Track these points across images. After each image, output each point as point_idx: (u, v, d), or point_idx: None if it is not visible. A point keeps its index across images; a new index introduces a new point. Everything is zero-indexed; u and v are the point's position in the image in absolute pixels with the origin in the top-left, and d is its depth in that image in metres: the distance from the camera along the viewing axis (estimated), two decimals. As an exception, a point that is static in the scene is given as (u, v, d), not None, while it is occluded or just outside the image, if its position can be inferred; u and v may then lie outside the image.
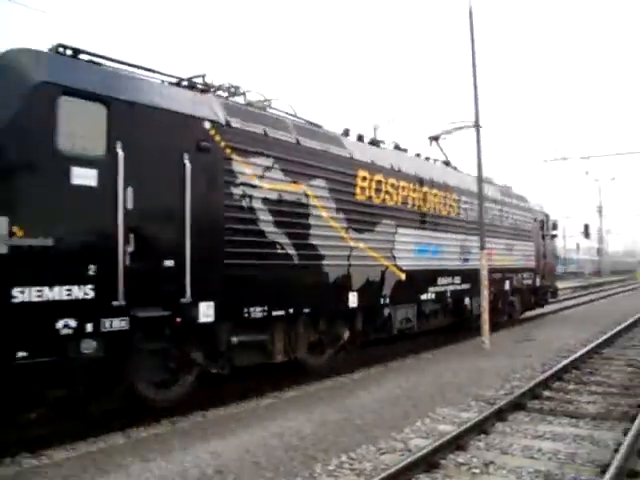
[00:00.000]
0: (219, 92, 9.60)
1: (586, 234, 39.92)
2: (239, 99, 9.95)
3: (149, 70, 8.50)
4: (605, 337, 14.67)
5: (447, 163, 16.79)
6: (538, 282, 21.25)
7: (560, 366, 10.67)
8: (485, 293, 13.83)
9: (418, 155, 15.00)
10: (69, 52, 7.49)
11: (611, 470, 5.41)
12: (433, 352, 13.76)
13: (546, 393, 9.17)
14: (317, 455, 6.39)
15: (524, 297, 20.32)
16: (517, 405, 8.20)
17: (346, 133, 12.18)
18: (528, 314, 21.29)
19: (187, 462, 6.21)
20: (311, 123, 11.20)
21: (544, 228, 22.60)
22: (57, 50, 7.41)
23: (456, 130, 17.65)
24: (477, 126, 14.11)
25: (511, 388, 9.44)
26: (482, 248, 13.91)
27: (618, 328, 16.57)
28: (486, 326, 13.74)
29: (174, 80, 8.91)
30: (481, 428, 7.12)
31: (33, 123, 6.56)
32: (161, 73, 8.72)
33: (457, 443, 6.54)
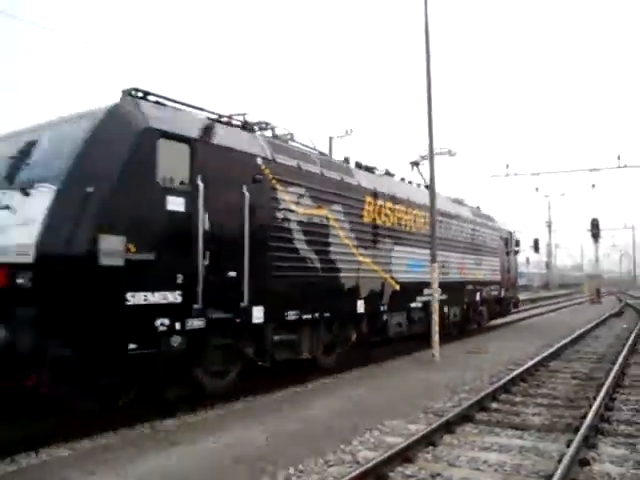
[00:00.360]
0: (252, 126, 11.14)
1: (536, 248, 40.87)
2: (267, 132, 11.56)
3: (201, 109, 10.11)
4: (552, 350, 14.94)
5: (427, 187, 17.06)
6: (503, 294, 23.46)
7: (508, 378, 10.82)
8: (436, 306, 13.97)
9: (402, 179, 17.00)
10: (140, 94, 8.93)
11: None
12: (384, 364, 13.81)
13: (493, 405, 9.28)
14: (265, 467, 6.32)
15: (491, 307, 22.37)
16: (465, 417, 8.27)
17: (346, 161, 14.10)
18: (478, 327, 21.56)
19: (131, 475, 6.09)
20: (322, 154, 13.37)
21: (508, 245, 24.90)
22: (130, 93, 8.81)
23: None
24: (431, 151, 14.24)
25: (459, 400, 9.52)
26: (433, 261, 14.04)
27: (564, 341, 16.90)
28: (436, 337, 13.85)
29: (224, 119, 10.45)
30: (429, 440, 7.15)
31: (141, 161, 8.22)
32: (212, 112, 10.30)
33: (405, 455, 6.55)
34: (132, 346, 7.79)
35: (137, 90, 8.92)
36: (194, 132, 9.09)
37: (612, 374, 11.01)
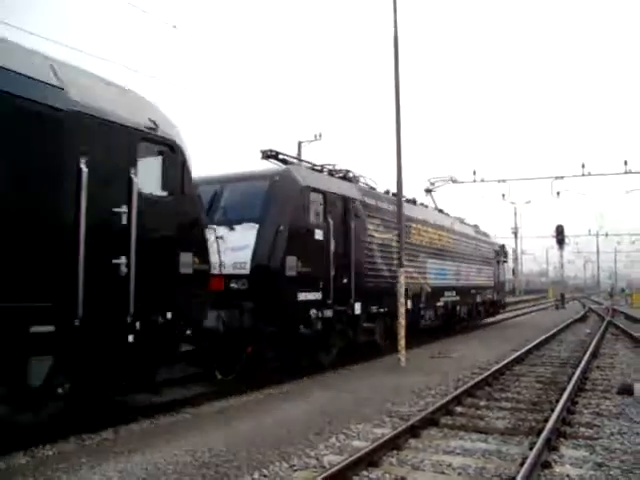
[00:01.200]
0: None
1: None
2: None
3: (313, 164, 14.81)
4: (517, 354, 15.14)
5: (440, 210, 23.63)
6: (495, 297, 28.85)
7: (472, 383, 10.93)
8: (402, 310, 14.01)
9: (425, 205, 21.96)
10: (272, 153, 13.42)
11: (516, 483, 5.55)
12: (351, 368, 13.83)
13: (458, 409, 9.35)
14: (230, 472, 6.30)
15: (486, 307, 27.53)
16: (430, 421, 8.32)
17: (387, 193, 17.63)
18: (445, 331, 21.72)
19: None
20: (386, 192, 17.75)
21: (499, 256, 30.33)
22: (267, 154, 13.34)
23: (444, 184, 27.85)
24: (399, 158, 14.34)
25: (425, 404, 9.58)
26: (400, 266, 14.12)
27: (529, 345, 17.14)
28: (402, 342, 13.90)
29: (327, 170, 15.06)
30: (394, 444, 7.17)
31: (302, 207, 12.51)
32: (322, 166, 14.98)
33: (370, 459, 6.56)
34: (301, 327, 12.09)
35: (272, 151, 13.39)
36: (325, 186, 13.56)
37: (574, 378, 11.17)
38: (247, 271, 11.40)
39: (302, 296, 12.11)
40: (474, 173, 31.44)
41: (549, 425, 7.61)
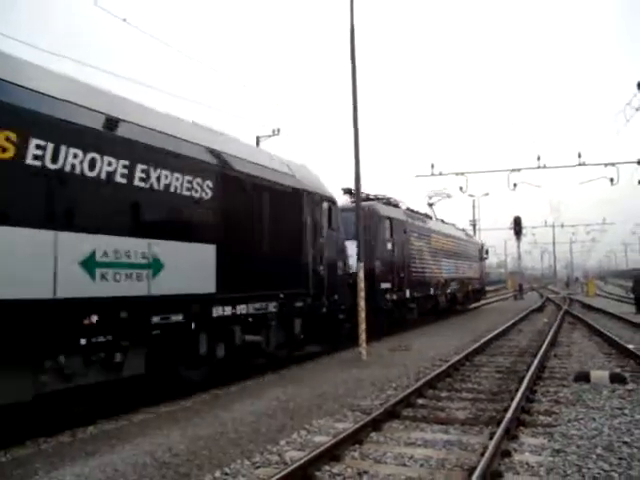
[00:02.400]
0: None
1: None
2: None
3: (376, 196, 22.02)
4: (477, 345, 15.31)
5: (442, 220, 30.88)
6: (479, 286, 37.59)
7: (433, 374, 10.99)
8: (362, 304, 14.02)
9: (430, 217, 28.70)
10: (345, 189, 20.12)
11: (477, 472, 5.58)
12: (312, 363, 13.82)
13: (419, 401, 9.39)
14: (190, 472, 6.21)
15: (474, 294, 36.02)
16: (391, 414, 8.33)
17: (414, 211, 24.99)
18: (405, 325, 21.91)
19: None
20: (413, 210, 25.35)
21: (481, 253, 38.92)
22: (348, 191, 19.68)
23: (444, 198, 33.71)
24: (356, 153, 14.36)
25: (386, 397, 9.60)
26: (359, 260, 14.13)
27: (489, 336, 17.36)
28: (363, 336, 13.93)
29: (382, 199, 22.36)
30: (356, 438, 7.16)
31: (382, 232, 20.01)
32: (384, 197, 22.42)
33: (332, 454, 6.54)
34: (382, 305, 19.14)
35: (350, 189, 19.30)
36: (391, 214, 21.14)
37: (533, 367, 11.33)
38: (354, 270, 15.15)
39: (383, 285, 19.45)
40: (432, 166, 31.69)
41: (508, 414, 7.68)
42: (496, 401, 9.25)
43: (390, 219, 20.62)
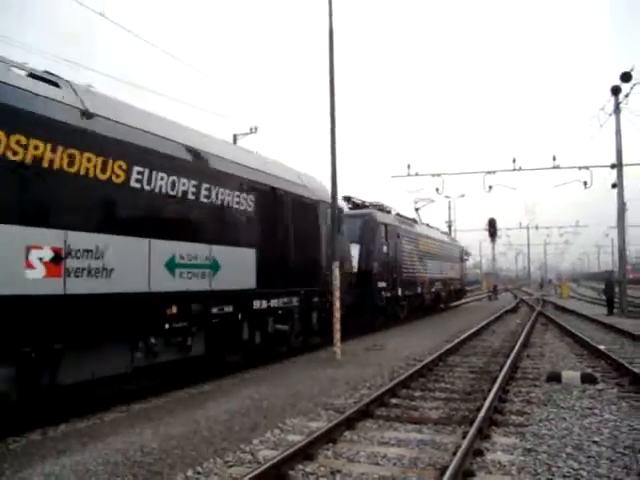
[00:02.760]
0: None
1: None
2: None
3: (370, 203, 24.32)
4: (451, 345, 15.40)
5: (427, 224, 33.94)
6: (460, 286, 40.84)
7: (407, 374, 11.04)
8: (337, 305, 14.04)
9: (415, 221, 31.30)
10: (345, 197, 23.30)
11: (449, 471, 5.62)
12: (286, 362, 13.81)
13: (393, 401, 9.43)
14: (162, 470, 6.17)
15: (456, 293, 39.41)
16: (365, 413, 8.36)
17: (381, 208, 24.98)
18: (379, 326, 21.97)
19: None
20: (400, 215, 27.31)
21: (462, 255, 42.64)
22: (347, 199, 23.24)
23: (428, 203, 37.36)
24: (333, 149, 14.36)
25: (360, 396, 9.63)
26: (334, 259, 14.13)
27: (463, 336, 17.47)
28: (338, 335, 13.94)
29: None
30: (330, 437, 7.17)
31: (378, 234, 22.34)
32: (377, 204, 24.66)
33: (305, 453, 6.54)
34: (379, 302, 21.50)
35: (350, 197, 23.20)
36: (386, 220, 23.48)
37: (505, 368, 11.42)
38: (356, 270, 19.53)
39: (380, 284, 21.87)
40: (409, 167, 31.84)
41: (481, 414, 7.74)
42: (469, 401, 9.32)
43: (385, 225, 23.13)
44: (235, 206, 11.91)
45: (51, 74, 8.58)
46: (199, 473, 6.11)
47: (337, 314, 13.96)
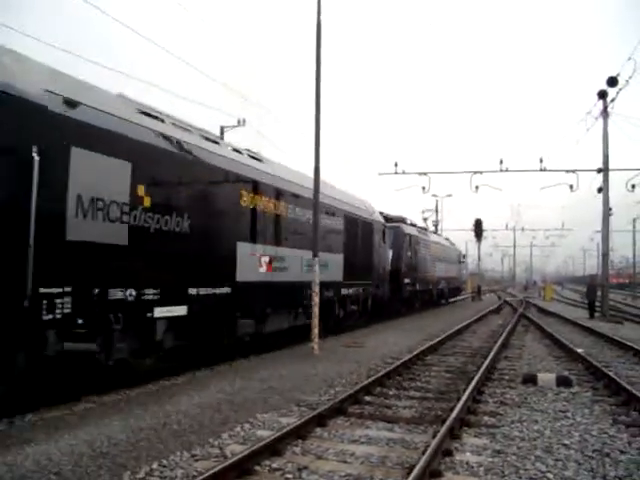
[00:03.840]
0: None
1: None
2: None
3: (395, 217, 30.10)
4: (430, 344, 15.39)
5: (434, 232, 42.40)
6: (458, 284, 48.17)
7: (383, 372, 11.00)
8: (316, 300, 14.01)
9: (433, 231, 43.46)
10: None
11: (415, 471, 5.57)
12: (263, 356, 13.75)
13: (367, 398, 9.38)
14: (127, 463, 6.09)
15: (455, 290, 47.19)
16: (338, 410, 8.30)
17: (404, 221, 30.75)
18: (357, 321, 21.98)
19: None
20: (414, 225, 33.72)
21: (460, 257, 49.86)
22: (381, 213, 25.93)
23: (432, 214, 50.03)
24: (317, 143, 14.30)
25: (335, 393, 9.57)
26: (314, 256, 14.07)
27: (442, 336, 17.47)
28: (316, 330, 13.90)
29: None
30: (299, 433, 7.11)
31: (405, 245, 29.10)
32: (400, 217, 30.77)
33: (274, 448, 6.49)
34: (405, 294, 28.79)
35: (381, 212, 25.96)
36: (410, 231, 30.33)
37: (482, 368, 11.41)
38: (389, 269, 25.68)
39: (405, 281, 28.29)
40: (396, 165, 31.86)
41: (453, 414, 7.70)
42: (443, 400, 9.28)
43: (410, 235, 30.00)
44: (334, 227, 18.64)
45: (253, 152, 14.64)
46: (164, 466, 6.03)
47: (315, 309, 13.93)
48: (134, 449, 6.54)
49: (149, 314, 9.76)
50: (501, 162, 30.67)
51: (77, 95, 8.58)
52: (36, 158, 7.59)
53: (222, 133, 27.36)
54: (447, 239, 46.72)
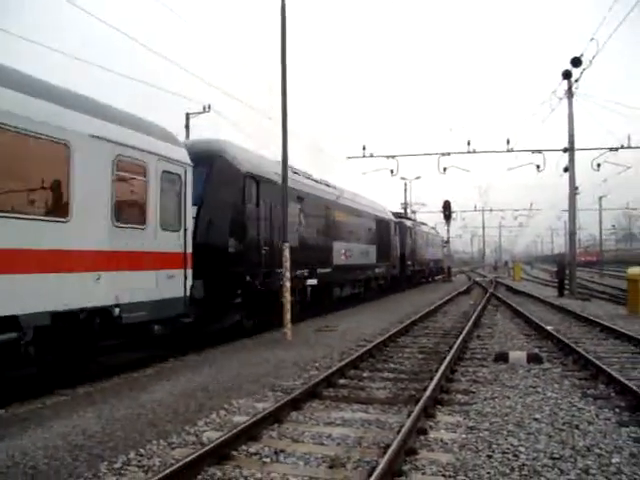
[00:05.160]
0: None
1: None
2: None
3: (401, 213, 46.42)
4: (402, 326, 15.53)
5: (423, 223, 52.16)
6: (442, 265, 56.97)
7: (356, 355, 11.09)
8: (287, 285, 13.97)
9: (423, 223, 53.23)
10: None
11: (391, 449, 5.65)
12: (236, 343, 13.74)
13: (341, 381, 9.46)
14: (104, 454, 6.07)
15: (441, 269, 56.25)
16: (312, 394, 8.36)
17: (405, 216, 46.51)
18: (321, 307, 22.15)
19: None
20: (409, 218, 46.77)
21: (443, 243, 60.52)
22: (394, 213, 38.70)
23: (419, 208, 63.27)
24: (284, 131, 14.28)
25: (309, 377, 9.64)
26: (284, 240, 14.04)
27: (414, 317, 17.65)
28: (288, 316, 13.92)
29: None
30: (275, 418, 7.16)
31: (407, 235, 39.21)
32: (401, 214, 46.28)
33: (250, 434, 6.52)
34: (408, 273, 38.58)
35: (400, 214, 44.00)
36: (409, 224, 40.60)
37: (454, 348, 11.56)
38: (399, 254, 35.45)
39: (408, 263, 37.79)
40: (364, 148, 31.93)
41: (427, 393, 7.82)
42: (417, 381, 9.40)
43: (410, 228, 39.76)
44: (370, 227, 27.76)
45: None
46: (141, 455, 6.03)
47: (287, 295, 13.92)
48: (110, 440, 6.52)
49: (305, 282, 18.28)
50: (469, 143, 30.95)
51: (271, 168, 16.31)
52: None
53: (188, 120, 27.18)
54: (433, 228, 57.16)
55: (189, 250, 11.63)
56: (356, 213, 25.37)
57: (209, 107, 27.23)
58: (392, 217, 34.34)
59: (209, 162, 13.47)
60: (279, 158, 14.68)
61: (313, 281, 18.59)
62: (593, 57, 24.00)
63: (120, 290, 9.66)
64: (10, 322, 7.73)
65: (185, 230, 11.52)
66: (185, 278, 11.47)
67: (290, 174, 15.66)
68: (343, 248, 22.52)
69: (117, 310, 9.59)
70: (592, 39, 22.48)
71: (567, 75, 26.85)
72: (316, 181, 21.19)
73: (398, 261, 34.67)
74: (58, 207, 8.68)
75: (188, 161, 11.75)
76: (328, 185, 22.50)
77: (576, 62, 25.28)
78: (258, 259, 14.65)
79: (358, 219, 25.59)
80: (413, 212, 61.49)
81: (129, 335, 10.54)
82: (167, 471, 5.22)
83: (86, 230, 9.06)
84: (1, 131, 7.68)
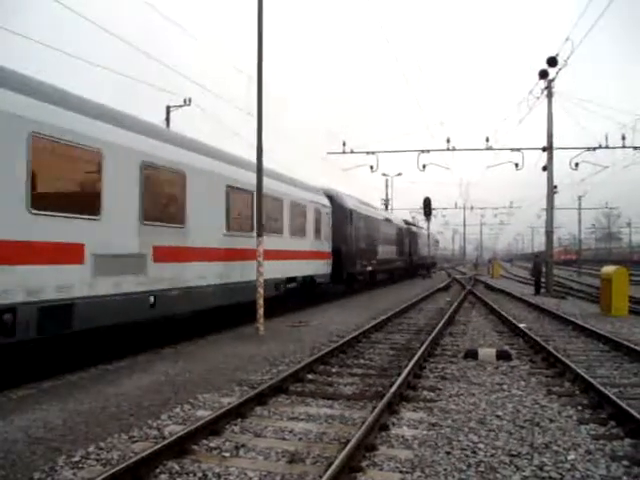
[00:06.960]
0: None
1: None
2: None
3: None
4: (375, 322, 15.55)
5: (416, 224, 59.78)
6: (433, 260, 67.04)
7: (327, 350, 11.09)
8: (261, 280, 13.96)
9: (419, 226, 61.96)
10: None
11: (350, 445, 5.66)
12: (208, 338, 13.71)
13: (309, 376, 9.47)
14: (63, 447, 6.04)
15: (432, 265, 66.54)
16: (279, 389, 8.37)
17: (411, 223, 56.73)
18: (305, 303, 22.15)
19: None
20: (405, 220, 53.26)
21: (434, 242, 71.42)
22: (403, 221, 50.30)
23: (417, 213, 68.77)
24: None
25: (277, 372, 9.64)
26: (259, 235, 14.01)
27: (389, 314, 17.66)
28: (261, 311, 13.89)
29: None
30: (239, 412, 7.16)
31: (411, 238, 50.46)
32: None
33: (212, 428, 6.52)
34: (411, 266, 49.93)
35: (407, 221, 53.06)
36: (413, 229, 51.66)
37: (425, 344, 11.60)
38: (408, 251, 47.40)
39: (414, 258, 49.93)
40: (344, 144, 31.90)
41: (392, 390, 7.84)
42: (385, 377, 9.42)
43: (414, 232, 49.13)
44: (393, 234, 39.06)
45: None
46: (101, 449, 6.01)
47: (261, 290, 13.90)
48: (70, 433, 6.49)
49: (366, 269, 29.49)
50: (448, 141, 31.07)
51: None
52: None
53: (168, 113, 27.03)
54: (427, 230, 64.69)
55: (329, 250, 23.65)
56: (389, 225, 37.88)
57: (189, 100, 27.11)
58: (403, 224, 45.65)
59: (332, 203, 24.43)
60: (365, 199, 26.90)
61: (369, 268, 30.65)
62: (568, 57, 24.21)
63: (315, 268, 21.63)
64: (291, 280, 18.86)
65: (327, 240, 23.50)
66: (328, 264, 23.46)
67: (367, 207, 31.83)
68: (382, 249, 34.32)
69: (315, 277, 21.56)
70: (567, 39, 22.65)
71: (544, 75, 26.98)
72: (374, 208, 36.15)
73: (407, 256, 45.81)
74: (302, 231, 20.64)
75: (327, 203, 23.58)
76: (375, 208, 37.35)
77: (552, 62, 25.43)
78: (355, 256, 27.04)
79: (389, 229, 37.68)
80: (413, 218, 68.27)
81: (317, 286, 22.25)
82: (124, 464, 5.21)
83: (311, 240, 21.23)
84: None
